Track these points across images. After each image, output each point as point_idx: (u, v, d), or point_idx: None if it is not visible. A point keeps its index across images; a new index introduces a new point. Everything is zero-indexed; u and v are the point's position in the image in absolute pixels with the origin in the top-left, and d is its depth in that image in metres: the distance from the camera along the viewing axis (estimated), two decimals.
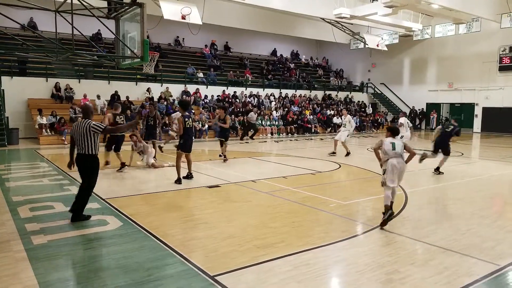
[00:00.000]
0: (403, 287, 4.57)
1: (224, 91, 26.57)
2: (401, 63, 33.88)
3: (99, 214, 6.79)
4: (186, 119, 9.36)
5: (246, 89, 27.89)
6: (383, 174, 6.31)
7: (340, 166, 12.39)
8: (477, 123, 29.23)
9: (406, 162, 6.09)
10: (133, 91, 23.01)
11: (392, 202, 6.22)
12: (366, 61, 36.11)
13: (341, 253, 5.49)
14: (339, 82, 34.29)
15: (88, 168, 6.04)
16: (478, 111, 29.42)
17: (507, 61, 28.18)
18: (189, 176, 9.64)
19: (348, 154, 14.69)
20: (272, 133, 24.42)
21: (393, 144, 6.49)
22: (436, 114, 31.19)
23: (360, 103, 32.77)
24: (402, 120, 15.02)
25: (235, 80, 27.49)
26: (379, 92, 34.91)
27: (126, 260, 5.23)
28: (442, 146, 10.39)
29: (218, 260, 5.22)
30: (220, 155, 12.91)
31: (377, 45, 27.82)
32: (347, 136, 14.87)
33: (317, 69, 35.45)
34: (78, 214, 6.27)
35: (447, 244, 5.73)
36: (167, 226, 6.41)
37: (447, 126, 11.28)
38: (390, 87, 34.88)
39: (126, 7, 9.15)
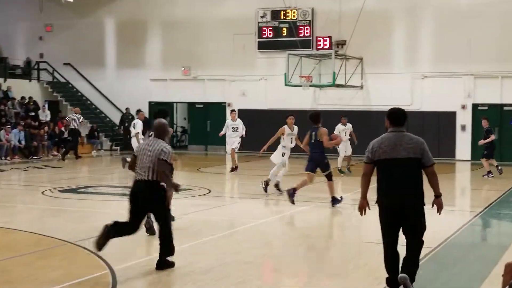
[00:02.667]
0: None
1: None
2: (101, 26, 32.79)
3: None
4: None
5: None
6: None
7: None
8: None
9: None
10: None
11: None
12: (33, 21, 33.46)
13: None
14: None
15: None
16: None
17: (270, 33, 28.98)
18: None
19: None
20: None
21: None
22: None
23: (26, 101, 29.70)
24: None
25: None
26: (63, 80, 33.04)
27: None
28: None
29: None
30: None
31: None
32: None
33: None
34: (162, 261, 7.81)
35: None
36: None
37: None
38: (83, 71, 32.92)
39: None
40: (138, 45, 31.51)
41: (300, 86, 25.14)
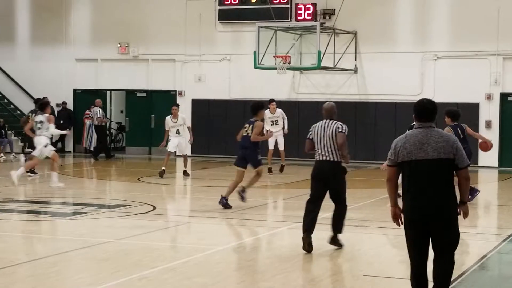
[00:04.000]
0: None
1: None
2: None
3: None
4: None
5: None
6: None
7: None
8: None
9: None
10: None
11: None
12: None
13: None
14: None
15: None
16: (185, 106, 29.11)
17: None
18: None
19: None
20: None
21: None
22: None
23: None
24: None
25: None
26: None
27: None
28: None
29: None
30: None
31: None
32: None
33: None
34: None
35: None
36: None
37: None
38: None
39: None
40: (59, 15, 31.45)
41: (275, 69, 25.09)
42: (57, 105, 30.79)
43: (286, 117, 22.85)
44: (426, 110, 7.11)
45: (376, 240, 12.75)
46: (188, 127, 22.56)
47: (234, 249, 11.81)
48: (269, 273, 9.75)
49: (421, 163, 6.88)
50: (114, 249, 10.98)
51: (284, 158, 23.15)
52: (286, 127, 22.68)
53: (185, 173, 22.09)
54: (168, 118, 22.12)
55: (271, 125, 22.18)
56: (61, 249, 11.19)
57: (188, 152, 22.79)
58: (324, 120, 11.12)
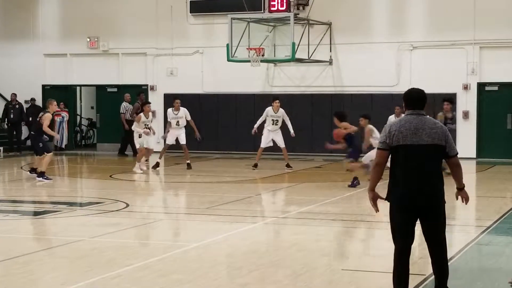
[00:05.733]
0: None
1: None
2: None
3: None
4: None
5: None
6: None
7: None
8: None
9: None
10: None
11: None
12: None
13: None
14: None
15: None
16: (158, 100, 29.39)
17: None
18: None
19: None
20: None
21: None
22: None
23: None
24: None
25: None
26: None
27: None
28: None
29: None
30: None
31: None
32: None
33: None
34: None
35: None
36: None
37: None
38: None
39: None
40: (27, 8, 31.32)
41: (248, 61, 25.17)
42: (26, 101, 30.76)
43: (288, 118, 22.81)
44: (417, 98, 7.41)
45: (354, 234, 12.81)
46: (189, 121, 22.76)
47: (210, 245, 11.73)
48: (245, 269, 9.75)
49: (416, 148, 7.08)
50: (87, 248, 10.93)
51: (288, 156, 23.12)
52: (292, 131, 22.58)
53: (189, 166, 22.40)
54: (170, 110, 22.67)
55: (272, 124, 22.32)
56: (33, 248, 11.19)
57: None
58: None
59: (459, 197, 7.46)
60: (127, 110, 28.11)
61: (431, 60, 26.41)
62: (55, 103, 20.30)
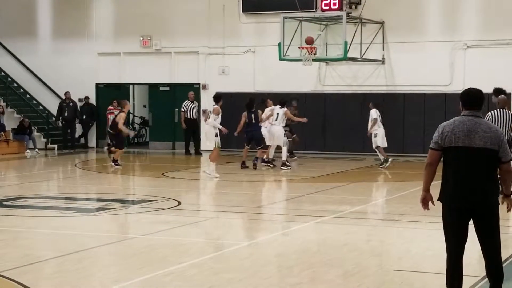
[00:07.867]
0: None
1: None
2: None
3: None
4: None
5: None
6: None
7: None
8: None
9: None
10: None
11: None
12: None
13: None
14: None
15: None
16: (209, 99, 27.97)
17: None
18: None
19: None
20: None
21: None
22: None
23: None
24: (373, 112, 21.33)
25: None
26: None
27: None
28: None
29: None
30: None
31: None
32: None
33: None
34: None
35: None
36: None
37: None
38: (7, 43, 33.20)
39: None
40: (80, 8, 31.47)
41: (300, 60, 25.05)
42: (80, 100, 31.09)
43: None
44: (475, 98, 7.32)
45: (406, 234, 12.70)
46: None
47: (261, 244, 11.82)
48: (297, 268, 9.76)
49: (467, 150, 7.02)
50: (139, 245, 11.05)
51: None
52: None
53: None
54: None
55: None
56: (86, 245, 11.25)
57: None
58: None
59: (508, 204, 7.26)
60: (187, 108, 28.33)
61: (486, 59, 26.07)
62: (128, 103, 21.62)
